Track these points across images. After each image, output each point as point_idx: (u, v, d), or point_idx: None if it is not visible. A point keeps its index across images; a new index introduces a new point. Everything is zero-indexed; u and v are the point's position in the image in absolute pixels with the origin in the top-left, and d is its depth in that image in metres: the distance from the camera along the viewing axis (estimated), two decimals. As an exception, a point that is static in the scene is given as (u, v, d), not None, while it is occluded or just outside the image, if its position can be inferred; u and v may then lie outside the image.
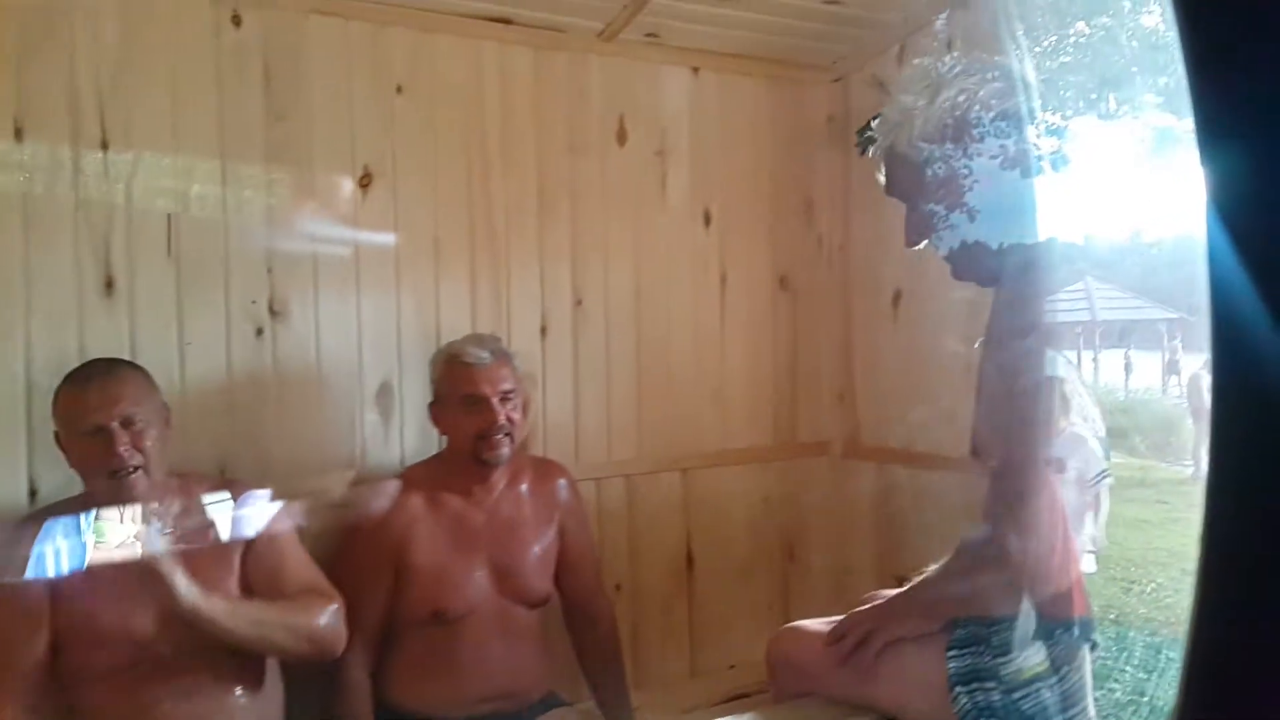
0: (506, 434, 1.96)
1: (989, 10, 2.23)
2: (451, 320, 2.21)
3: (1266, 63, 0.48)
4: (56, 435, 1.64)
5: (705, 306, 2.60)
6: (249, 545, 1.74)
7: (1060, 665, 1.21)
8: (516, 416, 1.99)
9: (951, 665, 1.21)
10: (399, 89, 2.17)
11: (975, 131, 1.22)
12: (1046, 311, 1.18)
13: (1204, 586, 0.53)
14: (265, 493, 1.80)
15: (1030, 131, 1.24)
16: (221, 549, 1.71)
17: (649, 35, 2.40)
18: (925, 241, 1.32)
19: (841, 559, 2.72)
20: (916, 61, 1.35)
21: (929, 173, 1.25)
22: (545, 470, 2.14)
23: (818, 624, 1.50)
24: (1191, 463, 8.51)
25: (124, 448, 1.58)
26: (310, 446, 2.09)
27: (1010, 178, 1.21)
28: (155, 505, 1.64)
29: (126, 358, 1.79)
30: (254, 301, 2.03)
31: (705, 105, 2.57)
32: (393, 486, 1.95)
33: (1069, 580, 1.25)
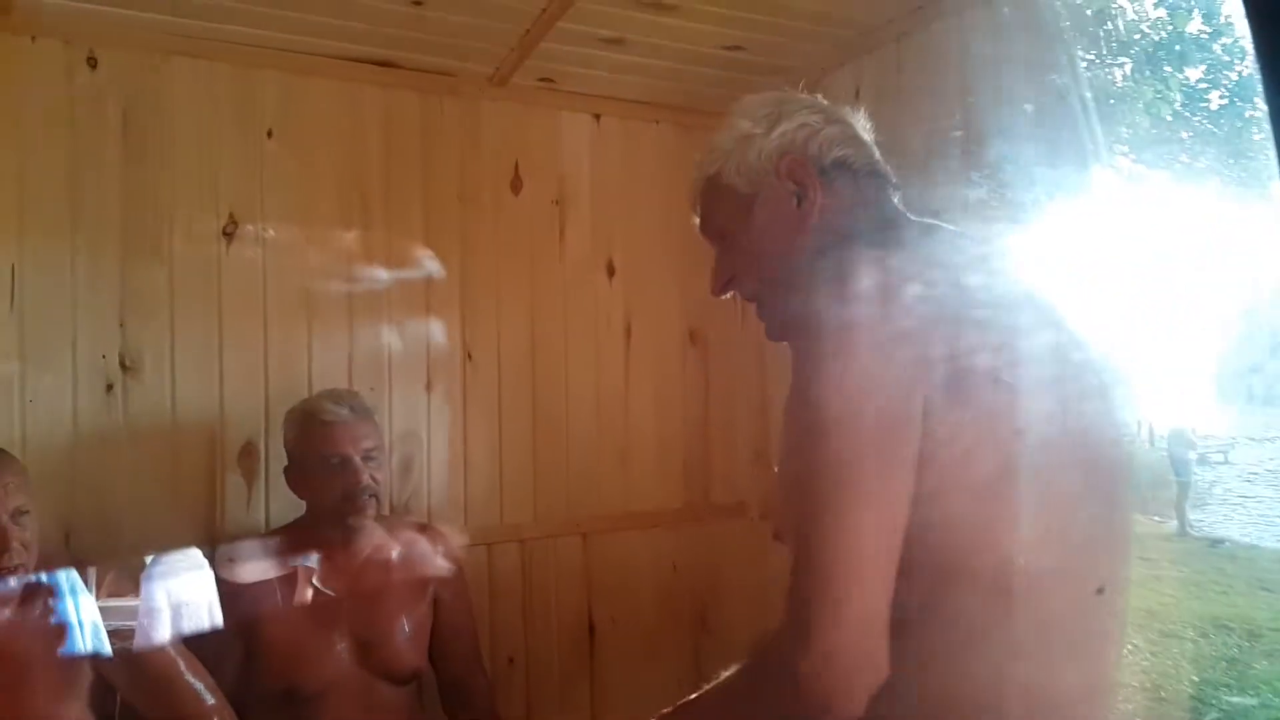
0: (371, 495, 1.83)
1: (901, 62, 2.17)
2: (325, 375, 2.08)
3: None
4: None
5: (608, 361, 2.48)
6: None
7: None
8: (381, 476, 1.86)
9: None
10: (269, 133, 2.07)
11: (812, 170, 1.08)
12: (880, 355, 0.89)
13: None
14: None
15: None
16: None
17: (543, 80, 2.32)
18: (734, 290, 1.17)
19: (760, 627, 2.56)
20: (763, 94, 1.19)
21: (755, 208, 1.11)
22: (419, 536, 1.99)
23: None
24: (1175, 517, 8.36)
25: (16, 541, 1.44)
26: (164, 513, 1.94)
27: (841, 227, 1.06)
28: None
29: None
30: (103, 356, 1.91)
31: (608, 152, 2.48)
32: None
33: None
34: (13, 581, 1.45)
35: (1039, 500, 0.89)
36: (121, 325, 1.93)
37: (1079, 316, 1.04)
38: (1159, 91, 5.57)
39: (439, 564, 1.97)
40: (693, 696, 1.08)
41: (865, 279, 0.90)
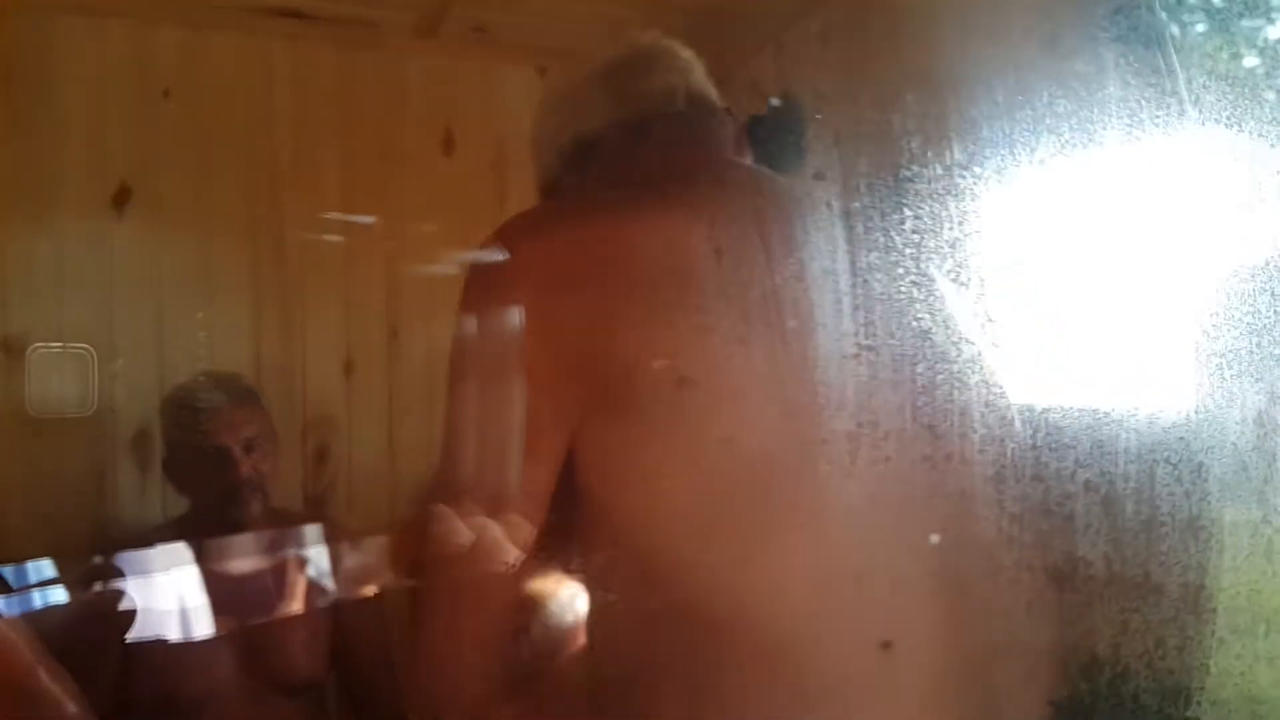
0: (255, 488, 1.68)
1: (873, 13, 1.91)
2: (229, 357, 1.93)
3: None
4: None
5: (556, 337, 2.28)
6: None
7: None
8: (267, 467, 1.71)
9: None
10: (166, 93, 1.92)
11: None
12: None
13: None
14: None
15: None
16: None
17: (476, 29, 2.11)
18: None
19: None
20: None
21: None
22: (315, 531, 1.84)
23: None
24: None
25: None
26: (52, 506, 1.82)
27: None
28: None
29: None
30: (-20, 338, 1.79)
31: (556, 110, 2.26)
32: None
33: None
34: None
35: (777, 530, 0.68)
36: (2, 305, 1.80)
37: (932, 298, 0.82)
38: (1231, 49, 5.04)
39: (336, 561, 1.82)
40: None
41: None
